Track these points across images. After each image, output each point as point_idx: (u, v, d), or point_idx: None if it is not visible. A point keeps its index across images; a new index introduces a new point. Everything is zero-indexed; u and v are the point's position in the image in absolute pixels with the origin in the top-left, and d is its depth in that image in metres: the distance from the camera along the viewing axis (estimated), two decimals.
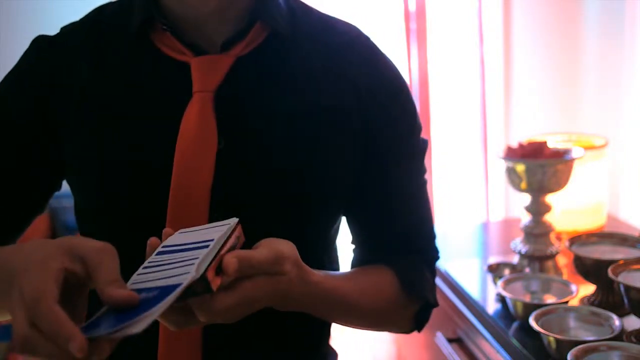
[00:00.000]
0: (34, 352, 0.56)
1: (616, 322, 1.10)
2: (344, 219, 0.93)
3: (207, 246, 0.63)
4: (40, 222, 1.98)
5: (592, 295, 1.27)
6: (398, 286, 0.89)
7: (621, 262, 1.15)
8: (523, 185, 1.39)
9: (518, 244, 1.44)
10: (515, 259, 1.46)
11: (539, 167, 1.36)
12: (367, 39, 0.90)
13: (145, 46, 0.83)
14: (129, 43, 0.83)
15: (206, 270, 0.61)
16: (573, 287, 1.25)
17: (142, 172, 0.80)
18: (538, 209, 1.41)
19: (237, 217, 0.69)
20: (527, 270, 1.42)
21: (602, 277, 1.18)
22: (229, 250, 0.65)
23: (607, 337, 1.07)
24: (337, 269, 0.95)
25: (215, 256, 0.63)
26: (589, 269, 1.23)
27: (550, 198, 1.41)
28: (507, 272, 1.42)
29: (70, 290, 0.59)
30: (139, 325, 0.54)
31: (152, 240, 0.68)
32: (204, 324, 0.68)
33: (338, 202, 0.88)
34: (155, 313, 0.55)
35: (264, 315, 0.83)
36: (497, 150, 1.51)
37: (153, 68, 0.83)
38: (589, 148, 1.60)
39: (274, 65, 0.84)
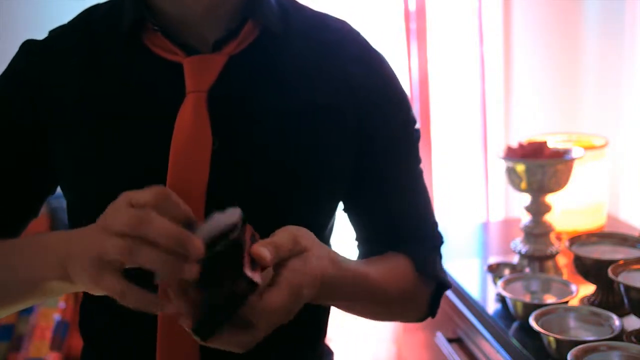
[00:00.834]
0: (137, 259, 0.60)
1: (616, 322, 1.10)
2: (341, 218, 0.94)
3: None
4: (39, 222, 1.97)
5: (592, 295, 1.27)
6: (413, 268, 0.89)
7: (621, 262, 1.15)
8: (523, 185, 1.39)
9: (518, 244, 1.44)
10: (515, 259, 1.46)
11: (539, 167, 1.36)
12: (358, 34, 0.91)
13: (136, 47, 0.82)
14: (120, 44, 0.83)
15: (242, 269, 0.60)
16: (573, 287, 1.25)
17: (138, 172, 0.80)
18: (538, 209, 1.41)
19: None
20: (527, 270, 1.42)
21: (602, 277, 1.18)
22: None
23: (607, 337, 1.07)
24: None
25: (243, 256, 0.62)
26: (589, 269, 1.23)
27: (550, 198, 1.41)
28: (507, 272, 1.42)
29: None
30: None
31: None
32: (267, 333, 0.66)
33: (334, 201, 0.89)
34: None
35: None
36: (497, 150, 1.51)
37: (145, 69, 0.82)
38: (589, 148, 1.60)
39: (266, 63, 0.84)
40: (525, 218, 1.45)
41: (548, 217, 1.42)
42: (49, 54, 0.85)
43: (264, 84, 0.83)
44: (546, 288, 1.30)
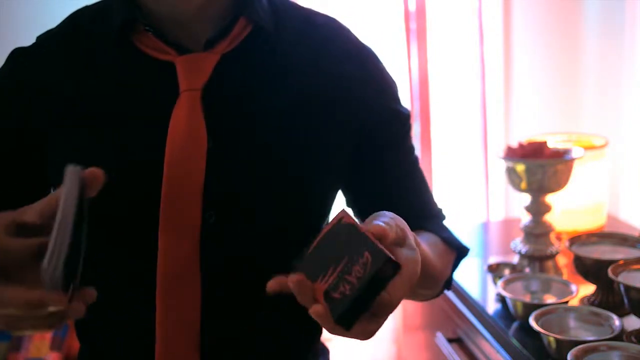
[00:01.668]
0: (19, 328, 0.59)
1: (616, 322, 1.10)
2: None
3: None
4: None
5: (592, 295, 1.27)
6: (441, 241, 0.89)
7: (621, 262, 1.15)
8: (523, 185, 1.39)
9: (518, 244, 1.44)
10: (515, 259, 1.46)
11: (539, 167, 1.36)
12: (346, 30, 0.91)
13: (127, 48, 0.82)
14: (110, 46, 0.83)
15: (385, 253, 0.56)
16: (573, 287, 1.25)
17: (133, 173, 0.80)
18: (538, 209, 1.41)
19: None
20: (527, 270, 1.42)
21: (602, 277, 1.18)
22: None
23: (607, 337, 1.07)
24: None
25: (364, 239, 0.58)
26: (589, 269, 1.23)
27: (550, 198, 1.41)
28: (507, 272, 1.42)
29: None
30: None
31: None
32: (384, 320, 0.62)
33: (331, 194, 0.89)
34: None
35: (257, 313, 0.83)
36: (497, 150, 1.51)
37: (137, 69, 0.82)
38: (589, 148, 1.60)
39: (259, 61, 0.84)
40: (525, 218, 1.45)
41: (548, 217, 1.42)
42: (39, 59, 0.85)
43: (257, 82, 0.83)
44: (546, 288, 1.30)
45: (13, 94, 0.84)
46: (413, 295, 0.90)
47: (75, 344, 2.18)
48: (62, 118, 0.82)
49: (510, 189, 1.47)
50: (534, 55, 2.18)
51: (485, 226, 1.97)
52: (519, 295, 1.27)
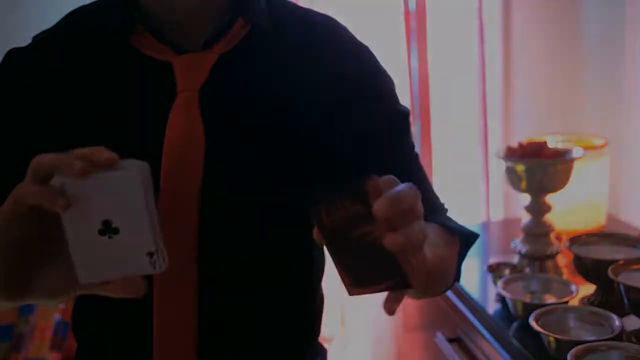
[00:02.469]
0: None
1: (616, 322, 1.10)
2: None
3: None
4: None
5: (592, 295, 1.27)
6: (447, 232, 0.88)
7: (621, 262, 1.15)
8: (523, 185, 1.39)
9: (518, 244, 1.44)
10: (515, 259, 1.46)
11: (539, 167, 1.36)
12: (346, 30, 0.91)
13: (124, 48, 0.82)
14: (107, 46, 0.83)
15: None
16: (573, 287, 1.25)
17: None
18: (538, 209, 1.41)
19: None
20: (527, 270, 1.42)
21: (602, 277, 1.18)
22: None
23: (607, 337, 1.07)
24: (322, 257, 0.95)
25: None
26: (589, 269, 1.23)
27: (550, 198, 1.41)
28: (507, 272, 1.42)
29: None
30: None
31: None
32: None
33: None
34: None
35: (255, 312, 0.83)
36: (497, 150, 1.51)
37: (135, 70, 0.82)
38: (589, 148, 1.59)
39: (257, 60, 0.84)
40: (525, 218, 1.45)
41: (548, 217, 1.42)
42: (36, 59, 0.85)
43: (255, 81, 0.83)
44: (546, 288, 1.29)
45: (10, 94, 0.84)
46: (427, 288, 0.87)
47: (75, 344, 2.18)
48: (59, 118, 0.82)
49: (510, 189, 1.47)
50: (534, 56, 2.18)
51: (485, 226, 1.97)
52: (519, 295, 1.27)
